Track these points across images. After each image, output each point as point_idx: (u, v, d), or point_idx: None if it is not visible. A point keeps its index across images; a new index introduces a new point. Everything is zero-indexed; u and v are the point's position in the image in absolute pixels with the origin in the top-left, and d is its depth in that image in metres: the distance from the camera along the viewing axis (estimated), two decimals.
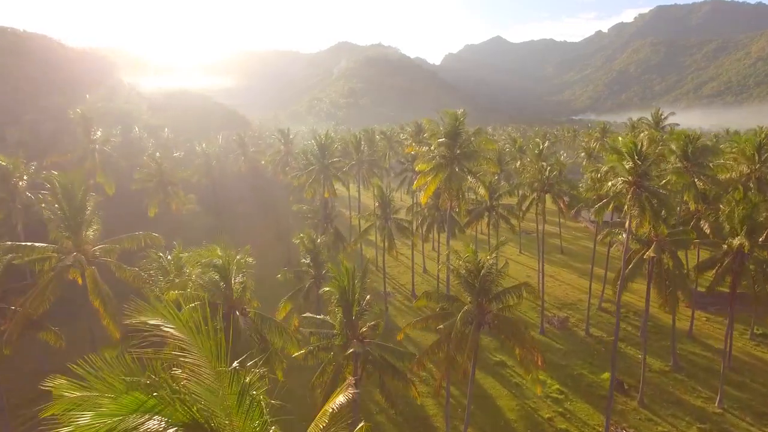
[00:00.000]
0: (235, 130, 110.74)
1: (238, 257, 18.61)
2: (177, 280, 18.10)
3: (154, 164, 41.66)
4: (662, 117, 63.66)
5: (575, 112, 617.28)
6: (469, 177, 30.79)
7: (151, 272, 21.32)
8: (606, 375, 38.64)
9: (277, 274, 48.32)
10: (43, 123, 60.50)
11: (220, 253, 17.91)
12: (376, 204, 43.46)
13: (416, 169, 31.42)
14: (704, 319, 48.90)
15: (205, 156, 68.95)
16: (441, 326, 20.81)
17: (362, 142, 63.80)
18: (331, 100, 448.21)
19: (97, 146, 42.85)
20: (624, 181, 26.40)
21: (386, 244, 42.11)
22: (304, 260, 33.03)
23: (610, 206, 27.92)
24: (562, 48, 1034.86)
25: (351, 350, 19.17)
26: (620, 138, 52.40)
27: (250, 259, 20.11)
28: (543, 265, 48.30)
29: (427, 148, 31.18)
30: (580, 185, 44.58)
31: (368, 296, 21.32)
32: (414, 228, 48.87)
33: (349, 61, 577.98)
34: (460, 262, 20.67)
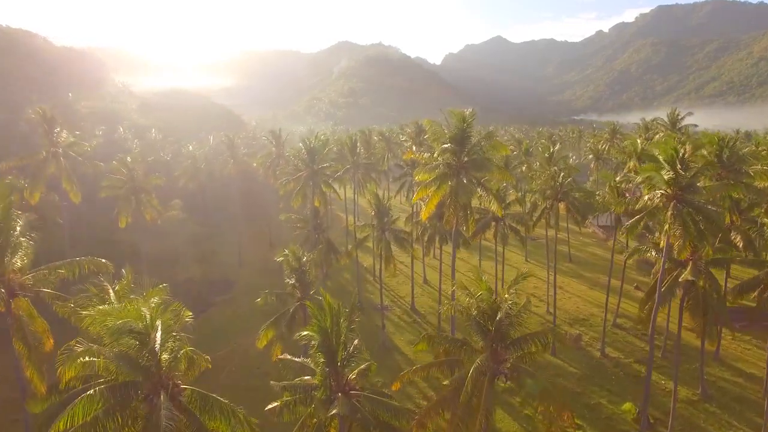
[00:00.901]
0: (229, 131, 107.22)
1: (160, 320, 14.04)
2: (80, 348, 13.56)
3: (125, 170, 37.60)
4: (679, 117, 59.50)
5: (576, 112, 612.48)
6: (478, 189, 26.70)
7: (91, 310, 17.24)
8: (627, 405, 34.72)
9: (270, 286, 44.29)
10: (16, 123, 56.49)
11: (144, 311, 13.73)
12: (372, 213, 39.42)
13: (416, 178, 27.32)
14: (730, 337, 44.84)
15: (192, 158, 64.88)
16: (447, 382, 16.83)
17: (358, 144, 59.41)
18: (331, 99, 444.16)
19: (60, 149, 38.80)
20: (662, 194, 22.37)
21: (383, 257, 38.06)
22: (288, 280, 29.04)
23: (642, 224, 23.79)
24: (563, 48, 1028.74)
25: (334, 411, 15.20)
26: (636, 139, 48.57)
27: (188, 315, 16.04)
28: (555, 279, 44.29)
29: (429, 154, 27.06)
30: (597, 193, 40.61)
31: (356, 340, 17.28)
32: (413, 239, 44.79)
33: (350, 61, 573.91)
34: (471, 300, 16.74)
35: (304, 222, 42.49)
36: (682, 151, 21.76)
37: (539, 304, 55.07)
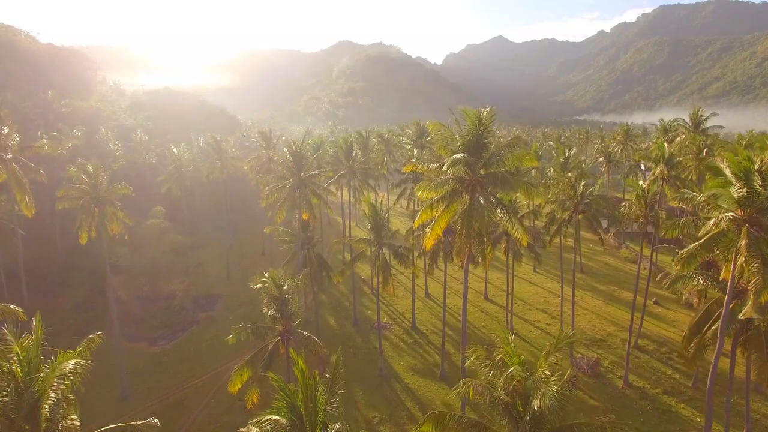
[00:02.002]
0: (222, 131, 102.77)
1: None
2: None
3: (87, 178, 32.87)
4: (702, 118, 54.77)
5: (578, 112, 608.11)
6: (498, 211, 21.96)
7: None
8: None
9: (259, 301, 39.52)
10: None
11: None
12: (369, 226, 34.97)
13: (418, 196, 22.37)
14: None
15: (176, 162, 60.29)
16: None
17: (354, 148, 54.48)
18: (331, 99, 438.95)
19: (9, 155, 34.19)
20: (733, 217, 17.75)
21: (380, 277, 33.61)
22: (267, 310, 24.57)
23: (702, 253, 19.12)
24: (565, 48, 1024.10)
25: None
26: (663, 143, 44.07)
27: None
28: (574, 297, 39.83)
29: (436, 165, 22.60)
30: (623, 204, 36.12)
31: (338, 425, 12.78)
32: (415, 256, 40.29)
33: (350, 60, 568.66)
34: (499, 379, 12.32)
35: (292, 236, 37.97)
36: (758, 162, 17.20)
37: (551, 321, 50.67)
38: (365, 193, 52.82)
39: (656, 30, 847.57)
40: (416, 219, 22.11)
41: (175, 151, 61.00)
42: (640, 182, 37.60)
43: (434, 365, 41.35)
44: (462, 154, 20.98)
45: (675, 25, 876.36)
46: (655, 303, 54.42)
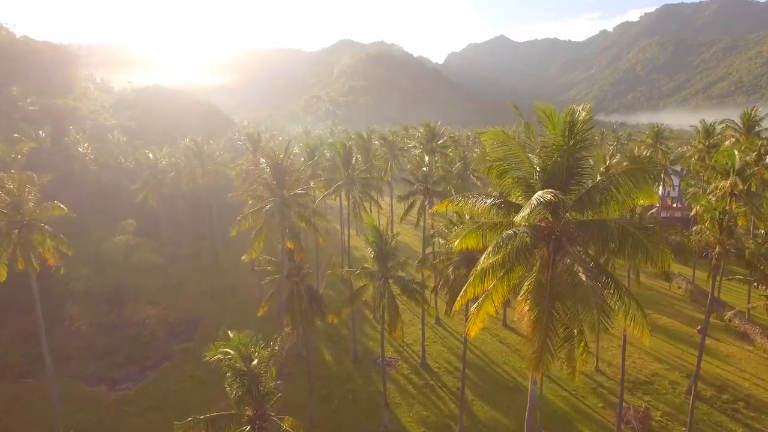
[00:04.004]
0: (214, 132, 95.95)
1: None
2: None
3: (6, 196, 25.36)
4: (757, 119, 47.48)
5: None
6: (600, 284, 12.55)
7: None
8: None
9: (247, 324, 31.88)
10: None
11: None
12: (372, 254, 27.88)
13: (455, 246, 13.21)
14: None
15: (153, 168, 53.04)
16: None
17: (354, 153, 46.92)
18: (331, 99, 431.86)
19: None
20: None
21: (386, 318, 26.54)
22: (230, 390, 17.42)
23: None
24: (567, 47, 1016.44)
25: None
26: (733, 151, 36.99)
27: None
28: (625, 335, 32.68)
29: (489, 202, 13.34)
30: (693, 230, 28.99)
31: None
32: (429, 288, 33.15)
33: (351, 59, 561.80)
34: None
35: (276, 265, 30.90)
36: None
37: (584, 356, 43.31)
38: (366, 207, 45.55)
39: (659, 29, 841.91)
40: (458, 299, 13.82)
41: (150, 156, 53.66)
42: (711, 197, 30.68)
43: (450, 417, 34.20)
44: (549, 192, 11.47)
45: (678, 25, 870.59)
46: (700, 332, 47.10)
